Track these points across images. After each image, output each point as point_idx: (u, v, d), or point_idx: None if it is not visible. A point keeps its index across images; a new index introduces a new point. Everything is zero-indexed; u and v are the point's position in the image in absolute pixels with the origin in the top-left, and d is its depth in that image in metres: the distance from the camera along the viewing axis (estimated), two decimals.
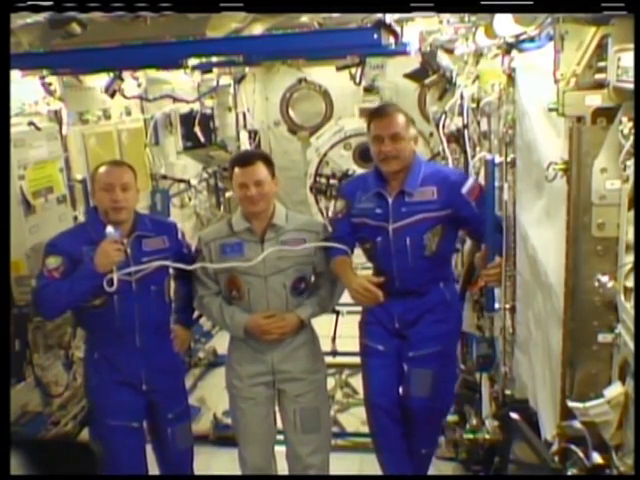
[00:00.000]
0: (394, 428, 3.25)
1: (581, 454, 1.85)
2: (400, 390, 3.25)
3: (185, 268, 3.12)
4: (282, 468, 3.35)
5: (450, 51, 3.99)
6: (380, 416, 3.27)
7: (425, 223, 3.03)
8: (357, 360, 3.47)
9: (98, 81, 4.41)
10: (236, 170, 3.00)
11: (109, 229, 2.87)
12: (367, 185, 3.15)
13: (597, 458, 1.80)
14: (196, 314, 3.66)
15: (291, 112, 7.26)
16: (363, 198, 3.13)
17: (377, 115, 3.08)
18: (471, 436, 3.41)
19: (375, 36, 2.68)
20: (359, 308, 3.35)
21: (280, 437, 3.35)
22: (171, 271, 3.24)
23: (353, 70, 5.22)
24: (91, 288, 2.90)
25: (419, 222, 3.02)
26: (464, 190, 2.92)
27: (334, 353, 4.69)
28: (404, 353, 3.20)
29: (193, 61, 3.57)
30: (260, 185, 2.96)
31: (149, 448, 3.35)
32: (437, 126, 4.38)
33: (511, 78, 2.67)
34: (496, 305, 2.97)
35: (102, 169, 3.02)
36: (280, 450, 3.34)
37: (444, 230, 3.06)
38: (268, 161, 3.06)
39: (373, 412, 3.32)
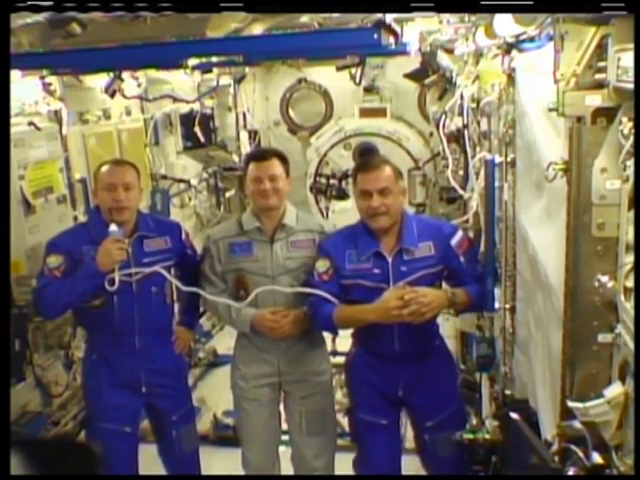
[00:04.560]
0: None
1: (581, 454, 1.84)
2: (420, 448, 3.20)
3: (182, 288, 3.09)
4: (286, 469, 3.34)
5: (450, 51, 3.98)
6: None
7: (425, 280, 2.85)
8: None
9: (98, 81, 4.40)
10: (251, 165, 3.00)
11: (112, 227, 2.86)
12: (358, 243, 2.90)
13: (597, 458, 1.80)
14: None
15: (291, 112, 7.24)
16: (355, 258, 2.89)
17: (364, 168, 2.88)
18: (471, 436, 3.41)
19: (375, 36, 2.67)
20: None
21: (285, 437, 3.35)
22: (173, 272, 3.23)
23: (353, 70, 5.19)
24: (92, 288, 2.90)
25: (419, 280, 2.83)
26: (453, 242, 2.89)
27: (334, 353, 4.68)
28: (420, 424, 3.10)
29: (193, 61, 3.57)
30: (274, 180, 2.96)
31: (154, 451, 3.35)
32: (437, 126, 4.37)
33: (511, 78, 2.67)
34: (496, 305, 2.97)
35: (104, 168, 3.01)
36: (284, 451, 3.34)
37: (440, 285, 2.94)
38: (283, 159, 3.06)
39: None
